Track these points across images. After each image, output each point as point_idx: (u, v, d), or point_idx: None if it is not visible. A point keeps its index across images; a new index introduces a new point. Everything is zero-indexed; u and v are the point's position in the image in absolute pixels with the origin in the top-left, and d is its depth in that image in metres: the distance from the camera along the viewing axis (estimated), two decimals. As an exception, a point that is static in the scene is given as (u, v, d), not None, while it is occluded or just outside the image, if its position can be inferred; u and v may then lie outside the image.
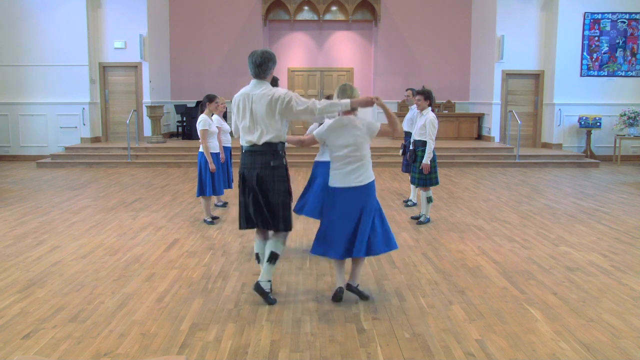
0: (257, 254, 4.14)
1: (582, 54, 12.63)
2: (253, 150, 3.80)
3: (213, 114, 6.67)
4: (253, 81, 3.86)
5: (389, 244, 3.99)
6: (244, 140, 3.84)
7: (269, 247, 3.95)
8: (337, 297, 3.97)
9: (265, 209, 3.82)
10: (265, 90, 3.77)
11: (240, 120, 3.85)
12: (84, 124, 12.55)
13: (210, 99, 6.49)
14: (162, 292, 4.19)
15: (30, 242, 5.62)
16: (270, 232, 4.05)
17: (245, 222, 3.94)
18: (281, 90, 3.79)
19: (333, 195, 3.93)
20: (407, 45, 14.49)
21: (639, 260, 5.07)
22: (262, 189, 3.80)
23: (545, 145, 13.09)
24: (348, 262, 4.25)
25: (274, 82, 4.59)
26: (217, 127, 6.59)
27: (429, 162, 6.21)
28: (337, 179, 3.91)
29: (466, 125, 13.80)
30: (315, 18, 14.52)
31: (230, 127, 4.50)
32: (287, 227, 3.91)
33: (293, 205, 4.40)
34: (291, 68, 14.90)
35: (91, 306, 3.91)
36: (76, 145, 12.28)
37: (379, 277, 4.57)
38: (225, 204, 7.43)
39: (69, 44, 12.33)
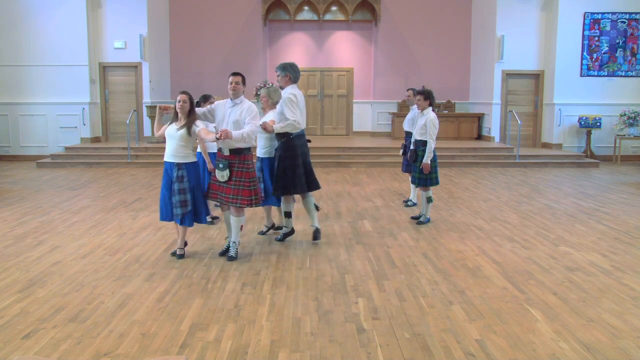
0: (290, 212, 5.60)
1: (582, 54, 12.62)
2: (303, 134, 5.43)
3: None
4: (296, 85, 5.37)
5: None
6: (302, 127, 5.31)
7: (312, 202, 5.52)
8: (265, 232, 5.89)
9: (311, 173, 5.48)
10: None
11: (301, 112, 5.29)
12: (84, 124, 12.55)
13: (206, 98, 6.48)
14: (162, 292, 4.19)
15: (30, 242, 5.62)
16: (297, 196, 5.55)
17: (309, 185, 5.41)
18: None
19: (266, 162, 5.67)
20: (407, 45, 14.49)
21: (639, 260, 5.07)
22: (309, 159, 5.49)
23: (545, 145, 13.08)
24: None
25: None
26: (214, 127, 6.57)
27: (429, 162, 6.22)
28: (269, 152, 5.62)
29: (466, 125, 13.79)
30: (315, 18, 14.51)
31: (292, 117, 5.38)
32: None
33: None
34: (291, 68, 14.87)
35: (91, 306, 3.91)
36: (76, 145, 12.27)
37: (379, 277, 4.57)
38: (225, 204, 7.42)
39: (69, 44, 12.32)
